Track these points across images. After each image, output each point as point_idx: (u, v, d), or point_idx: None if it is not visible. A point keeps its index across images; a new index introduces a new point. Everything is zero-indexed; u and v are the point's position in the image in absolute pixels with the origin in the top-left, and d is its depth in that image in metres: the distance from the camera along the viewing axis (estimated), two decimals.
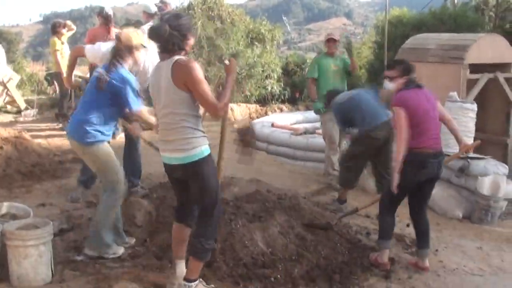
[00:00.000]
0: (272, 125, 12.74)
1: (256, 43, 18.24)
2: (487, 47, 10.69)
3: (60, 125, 11.85)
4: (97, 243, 5.47)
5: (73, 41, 13.30)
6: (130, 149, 7.58)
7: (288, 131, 12.78)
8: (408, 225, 7.41)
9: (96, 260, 5.47)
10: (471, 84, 10.57)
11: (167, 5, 12.06)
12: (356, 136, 7.89)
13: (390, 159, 7.85)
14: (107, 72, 5.39)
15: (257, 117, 16.14)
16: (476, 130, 9.70)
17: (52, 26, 11.77)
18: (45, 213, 6.62)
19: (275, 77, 18.25)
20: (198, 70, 4.42)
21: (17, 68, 19.53)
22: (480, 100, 10.21)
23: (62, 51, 11.55)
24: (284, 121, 14.11)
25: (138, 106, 5.50)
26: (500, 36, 11.50)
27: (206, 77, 7.85)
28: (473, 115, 9.43)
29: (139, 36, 5.80)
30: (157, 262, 5.48)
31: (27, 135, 9.45)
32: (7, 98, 13.70)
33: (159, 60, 4.69)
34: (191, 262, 4.68)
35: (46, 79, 16.56)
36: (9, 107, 13.78)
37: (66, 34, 11.79)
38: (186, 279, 4.66)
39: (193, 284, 4.64)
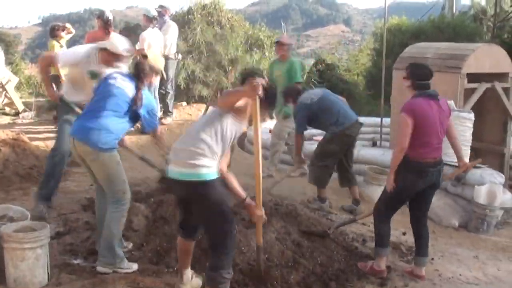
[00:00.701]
0: (270, 131, 12.75)
1: (255, 49, 18.29)
2: (485, 57, 10.72)
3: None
4: (111, 259, 5.28)
5: (72, 44, 13.24)
6: None
7: None
8: (404, 233, 7.44)
9: (92, 263, 5.47)
10: (468, 93, 10.59)
11: (167, 10, 12.12)
12: (331, 136, 8.15)
13: (353, 154, 8.64)
14: (138, 97, 5.42)
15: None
16: (473, 139, 9.72)
17: (51, 29, 11.76)
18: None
19: None
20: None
21: (16, 70, 19.54)
22: (477, 109, 10.23)
23: None
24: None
25: (152, 128, 5.67)
26: (498, 46, 11.53)
27: (204, 82, 7.83)
28: (470, 124, 9.45)
29: (163, 63, 5.92)
30: (154, 266, 5.48)
31: (25, 137, 9.45)
32: (5, 100, 13.67)
33: None
34: None
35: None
36: (7, 109, 13.75)
37: (65, 37, 11.78)
38: None
39: None
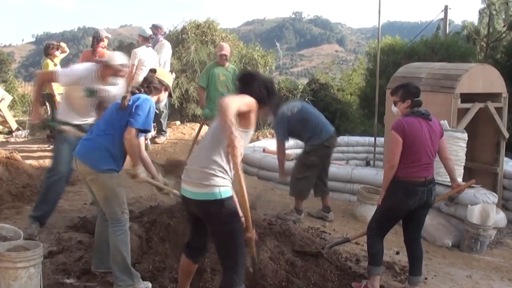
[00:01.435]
0: (264, 151, 12.75)
1: (249, 68, 18.32)
2: (478, 77, 10.78)
3: (52, 147, 11.82)
4: (130, 280, 5.22)
5: (65, 62, 13.30)
6: None
7: None
8: (397, 253, 7.44)
9: (85, 283, 5.45)
10: (462, 113, 10.63)
11: (159, 29, 12.15)
12: (311, 148, 8.41)
13: (329, 165, 9.02)
14: (126, 96, 5.33)
15: (249, 142, 16.14)
16: (466, 159, 9.75)
17: (45, 47, 11.78)
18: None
19: None
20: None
21: (9, 89, 19.53)
22: (470, 129, 10.27)
23: None
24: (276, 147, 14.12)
25: (138, 125, 5.18)
26: (491, 66, 11.60)
27: (197, 101, 7.81)
28: (463, 144, 9.48)
29: (171, 79, 5.86)
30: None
31: (18, 156, 9.43)
32: None
33: None
34: None
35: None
36: (0, 127, 13.75)
37: (59, 56, 11.81)
38: None
39: None
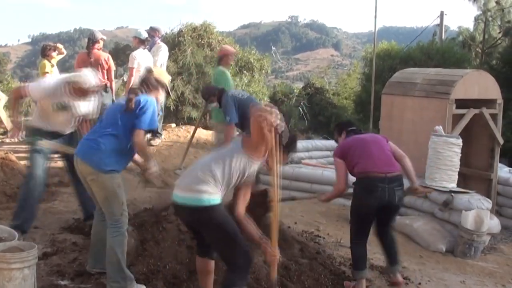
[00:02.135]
0: None
1: (245, 71, 18.35)
2: (473, 83, 10.82)
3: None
4: (122, 282, 5.19)
5: (61, 63, 13.27)
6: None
7: None
8: None
9: (79, 285, 5.45)
10: (456, 119, 10.66)
11: (157, 32, 12.14)
12: None
13: None
14: (132, 98, 5.30)
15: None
16: (461, 165, 9.78)
17: (43, 48, 11.75)
18: (30, 236, 6.57)
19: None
20: None
21: (5, 89, 19.49)
22: (465, 135, 10.29)
23: (52, 73, 11.53)
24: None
25: (145, 126, 5.21)
26: (486, 73, 11.64)
27: (193, 104, 7.82)
28: (458, 149, 9.51)
29: (168, 78, 5.85)
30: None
31: (13, 157, 9.41)
32: None
33: None
34: None
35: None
36: None
37: (56, 57, 11.77)
38: None
39: None
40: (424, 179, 9.59)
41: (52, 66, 11.45)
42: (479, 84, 10.91)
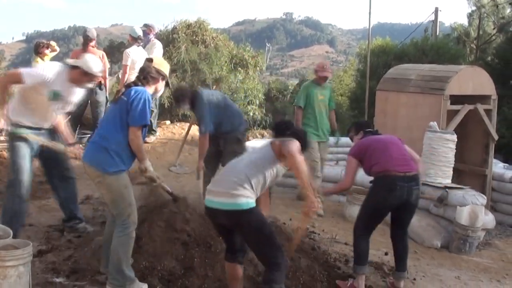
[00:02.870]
0: None
1: (239, 68, 18.34)
2: (468, 79, 10.82)
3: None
4: (121, 281, 5.19)
5: (55, 60, 13.24)
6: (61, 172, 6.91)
7: None
8: (386, 254, 7.46)
9: (74, 282, 5.44)
10: (451, 115, 10.67)
11: (151, 29, 12.14)
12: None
13: None
14: (119, 91, 5.36)
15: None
16: (456, 161, 9.78)
17: (35, 46, 11.73)
18: (25, 233, 6.56)
19: (257, 103, 18.35)
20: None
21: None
22: (460, 131, 10.31)
23: None
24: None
25: (136, 123, 5.16)
26: (480, 69, 11.65)
27: None
28: (452, 145, 9.52)
29: (168, 68, 5.77)
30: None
31: (7, 155, 9.40)
32: None
33: None
34: None
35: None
36: None
37: (49, 54, 11.75)
38: None
39: None
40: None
41: None
42: (473, 80, 10.92)
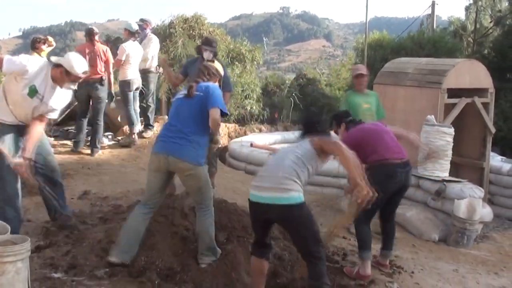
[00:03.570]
0: (251, 145, 12.74)
1: (236, 62, 18.33)
2: (465, 72, 10.82)
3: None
4: (213, 256, 5.68)
5: (53, 55, 13.21)
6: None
7: (266, 151, 12.81)
8: None
9: (72, 277, 5.44)
10: (448, 108, 10.67)
11: (148, 24, 12.12)
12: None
13: None
14: (193, 85, 5.65)
15: (236, 137, 16.17)
16: (453, 154, 9.80)
17: (32, 41, 11.68)
18: (23, 229, 6.55)
19: (255, 97, 18.35)
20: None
21: None
22: (457, 124, 10.31)
23: None
24: (263, 141, 14.16)
25: (221, 106, 5.58)
26: (478, 62, 11.64)
27: None
28: (450, 139, 9.53)
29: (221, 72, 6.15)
30: (135, 281, 5.46)
31: (4, 150, 9.37)
32: None
33: None
34: None
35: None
36: None
37: (46, 50, 11.72)
38: None
39: None
40: (416, 168, 9.61)
41: None
42: (470, 73, 10.92)
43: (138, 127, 11.84)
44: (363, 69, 9.16)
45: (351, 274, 6.22)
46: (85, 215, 7.38)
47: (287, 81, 22.69)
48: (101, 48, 10.89)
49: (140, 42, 11.67)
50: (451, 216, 8.72)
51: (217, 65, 6.09)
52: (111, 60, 11.11)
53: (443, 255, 8.07)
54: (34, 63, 5.97)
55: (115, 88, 12.23)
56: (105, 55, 10.85)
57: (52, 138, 11.40)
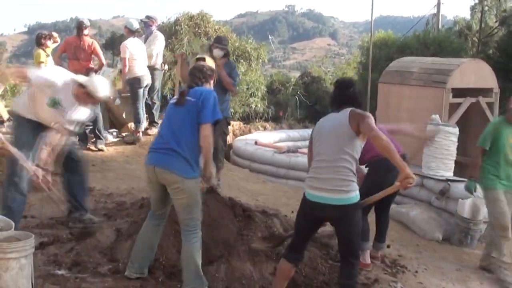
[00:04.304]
0: (256, 143, 12.79)
1: (242, 60, 18.33)
2: (470, 72, 10.81)
3: None
4: (200, 282, 5.16)
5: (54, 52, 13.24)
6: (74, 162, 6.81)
7: (271, 149, 12.83)
8: (388, 246, 7.45)
9: (76, 274, 5.44)
10: (453, 108, 10.66)
11: (153, 21, 12.10)
12: None
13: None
14: (184, 91, 5.26)
15: (241, 135, 16.17)
16: (458, 153, 9.78)
17: (37, 37, 11.70)
18: (27, 225, 6.55)
19: (260, 95, 18.36)
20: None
21: (1, 78, 19.42)
22: (462, 123, 10.30)
23: (47, 63, 11.50)
24: (268, 139, 14.16)
25: (210, 119, 5.12)
26: (483, 62, 11.63)
27: None
28: (454, 138, 9.52)
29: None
30: (139, 278, 5.46)
31: (9, 146, 9.38)
32: None
33: None
34: None
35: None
36: None
37: (51, 46, 11.73)
38: None
39: None
40: (420, 168, 9.61)
41: (47, 56, 11.42)
42: (475, 73, 10.91)
43: (144, 125, 11.84)
44: None
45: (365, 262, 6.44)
46: (89, 212, 7.38)
47: (292, 79, 22.68)
48: (87, 41, 10.95)
49: (146, 39, 11.67)
50: (455, 215, 8.72)
51: (208, 61, 5.79)
52: (100, 52, 11.20)
53: (447, 255, 8.07)
54: (60, 78, 6.06)
55: (119, 86, 12.23)
56: (90, 48, 10.92)
57: None
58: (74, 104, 6.12)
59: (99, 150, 10.73)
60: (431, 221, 8.99)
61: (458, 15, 31.80)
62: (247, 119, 18.19)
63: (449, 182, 9.10)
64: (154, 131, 12.17)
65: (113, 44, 18.77)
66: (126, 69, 10.83)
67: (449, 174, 9.53)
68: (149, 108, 12.01)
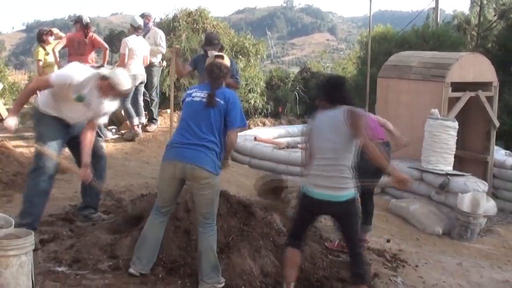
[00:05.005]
0: (255, 139, 12.76)
1: (240, 56, 18.30)
2: (469, 66, 10.81)
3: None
4: (216, 279, 5.28)
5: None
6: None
7: (270, 145, 12.82)
8: (388, 241, 7.47)
9: (76, 271, 5.44)
10: (452, 102, 10.66)
11: (149, 18, 12.13)
12: None
13: None
14: (212, 94, 5.32)
15: (240, 131, 16.15)
16: (457, 148, 9.79)
17: (39, 34, 11.68)
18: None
19: (259, 91, 18.32)
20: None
21: (0, 77, 19.41)
22: (461, 118, 10.30)
23: (46, 61, 11.48)
24: (267, 135, 14.13)
25: (239, 124, 5.42)
26: (482, 55, 11.63)
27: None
28: (454, 132, 9.52)
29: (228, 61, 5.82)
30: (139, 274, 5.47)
31: (9, 144, 9.39)
32: None
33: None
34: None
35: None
36: None
37: (53, 42, 11.69)
38: None
39: None
40: (420, 162, 9.61)
41: (47, 53, 11.41)
42: (474, 67, 10.91)
43: (143, 119, 11.83)
44: None
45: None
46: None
47: (291, 75, 22.61)
48: (89, 36, 11.21)
49: (144, 36, 11.66)
50: (455, 209, 8.73)
51: (226, 59, 5.79)
52: (100, 40, 11.33)
53: (447, 249, 8.08)
54: (82, 74, 6.10)
55: None
56: (91, 40, 11.24)
57: None
58: (98, 97, 6.19)
59: None
60: (431, 215, 9.00)
61: (457, 9, 31.88)
62: (246, 115, 18.16)
63: (448, 176, 9.11)
64: (153, 128, 12.17)
65: (111, 41, 18.76)
66: (122, 65, 10.83)
67: (449, 168, 9.53)
68: (148, 105, 12.01)
